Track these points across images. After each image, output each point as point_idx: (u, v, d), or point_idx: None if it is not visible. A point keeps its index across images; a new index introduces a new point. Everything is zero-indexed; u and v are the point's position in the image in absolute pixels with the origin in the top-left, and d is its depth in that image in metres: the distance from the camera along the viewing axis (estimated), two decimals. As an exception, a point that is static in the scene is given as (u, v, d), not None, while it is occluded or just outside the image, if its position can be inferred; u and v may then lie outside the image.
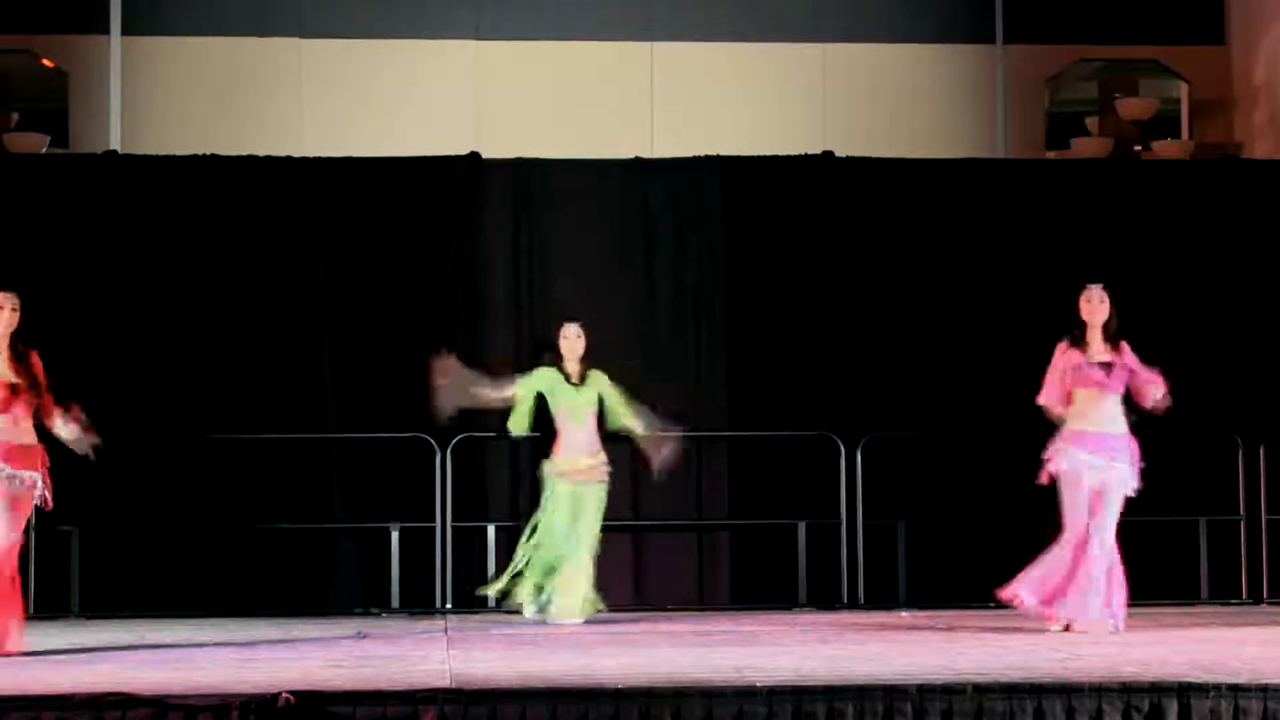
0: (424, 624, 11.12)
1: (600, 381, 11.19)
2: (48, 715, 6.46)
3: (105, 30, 13.48)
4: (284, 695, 6.47)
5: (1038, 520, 12.38)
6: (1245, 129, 14.15)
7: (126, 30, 13.51)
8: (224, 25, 13.63)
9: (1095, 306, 10.19)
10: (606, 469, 11.17)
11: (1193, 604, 12.27)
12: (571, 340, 11.20)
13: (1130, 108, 14.30)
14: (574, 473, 11.10)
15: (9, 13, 13.34)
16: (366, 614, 11.89)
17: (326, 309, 12.41)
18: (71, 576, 11.90)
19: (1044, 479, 10.08)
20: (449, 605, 12.10)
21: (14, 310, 9.11)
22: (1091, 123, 14.28)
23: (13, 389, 8.97)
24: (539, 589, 11.04)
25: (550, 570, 11.06)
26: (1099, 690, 6.64)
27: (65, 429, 9.18)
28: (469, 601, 12.16)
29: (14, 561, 9.02)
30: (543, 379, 11.19)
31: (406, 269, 12.47)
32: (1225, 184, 13.11)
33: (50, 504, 9.11)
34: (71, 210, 12.31)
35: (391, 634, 10.20)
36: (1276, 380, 12.71)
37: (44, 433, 9.15)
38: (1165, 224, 12.82)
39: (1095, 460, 9.98)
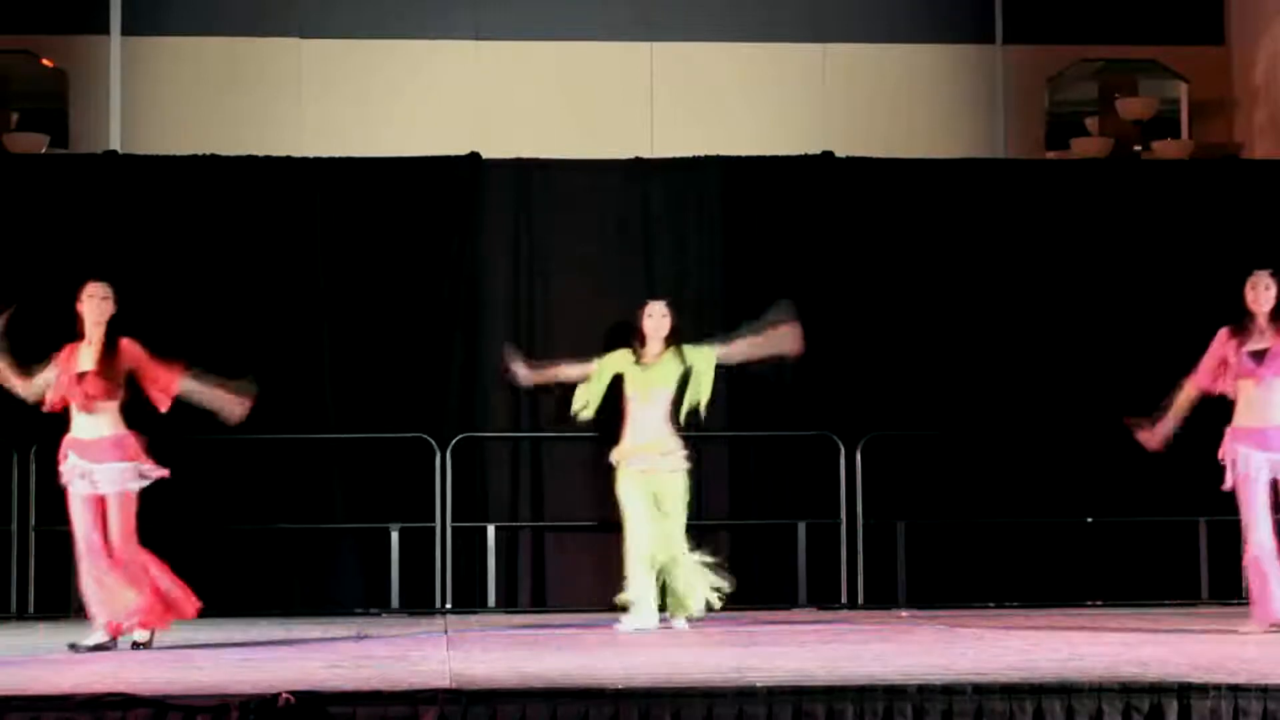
0: (424, 624, 11.12)
1: (682, 358, 10.58)
2: (48, 715, 6.46)
3: (105, 30, 13.46)
4: (284, 695, 6.46)
5: (1038, 520, 12.49)
6: (1245, 129, 14.14)
7: (126, 30, 13.50)
8: (224, 25, 13.61)
9: (1260, 294, 9.73)
10: (681, 454, 10.56)
11: (1193, 604, 12.27)
12: (656, 319, 10.62)
13: (1130, 108, 14.28)
14: (642, 458, 10.53)
15: (9, 13, 13.33)
16: (366, 614, 11.89)
17: (326, 309, 12.42)
18: (71, 577, 11.86)
19: (1227, 485, 9.65)
20: (449, 605, 12.10)
21: (104, 299, 9.23)
22: (1091, 123, 14.26)
23: (80, 377, 9.03)
24: (658, 591, 10.53)
25: (663, 569, 10.54)
26: (1099, 690, 6.63)
27: (203, 397, 9.52)
28: (469, 601, 12.17)
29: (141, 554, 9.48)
30: (617, 361, 10.62)
31: (407, 269, 12.47)
32: (1225, 184, 13.11)
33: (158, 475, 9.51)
34: (71, 210, 12.30)
35: (391, 634, 10.20)
36: (1276, 380, 12.68)
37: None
38: (1165, 224, 12.82)
39: (1262, 455, 9.61)
